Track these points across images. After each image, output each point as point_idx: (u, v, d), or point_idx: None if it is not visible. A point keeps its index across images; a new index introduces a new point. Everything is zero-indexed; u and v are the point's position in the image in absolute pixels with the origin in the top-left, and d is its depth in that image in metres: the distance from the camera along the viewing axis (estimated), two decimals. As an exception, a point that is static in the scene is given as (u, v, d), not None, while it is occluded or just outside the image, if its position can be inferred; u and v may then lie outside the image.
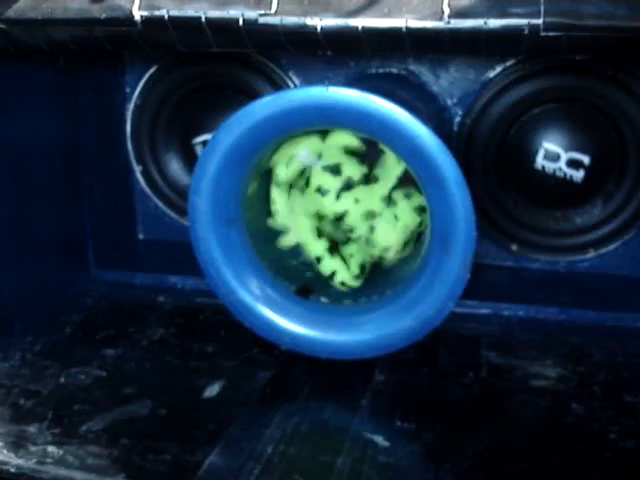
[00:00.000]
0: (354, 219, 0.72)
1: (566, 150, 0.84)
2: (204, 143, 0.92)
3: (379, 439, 0.58)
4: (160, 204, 0.96)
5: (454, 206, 0.59)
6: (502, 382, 0.66)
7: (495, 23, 0.56)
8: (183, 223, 0.95)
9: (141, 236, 0.98)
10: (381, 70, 0.85)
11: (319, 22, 0.59)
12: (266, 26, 0.60)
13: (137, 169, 0.96)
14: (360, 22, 0.58)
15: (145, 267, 0.90)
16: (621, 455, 0.56)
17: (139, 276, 0.88)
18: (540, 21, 0.55)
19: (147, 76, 0.92)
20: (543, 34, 0.56)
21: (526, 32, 0.56)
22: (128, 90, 0.93)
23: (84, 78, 0.86)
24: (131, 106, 0.93)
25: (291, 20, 0.59)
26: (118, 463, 0.55)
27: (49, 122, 0.82)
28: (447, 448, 0.57)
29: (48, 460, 0.56)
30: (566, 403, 0.63)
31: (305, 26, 0.59)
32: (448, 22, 0.57)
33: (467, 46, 0.59)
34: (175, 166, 0.95)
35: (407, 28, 0.58)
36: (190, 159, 0.93)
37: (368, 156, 0.71)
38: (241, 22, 0.60)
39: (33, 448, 0.57)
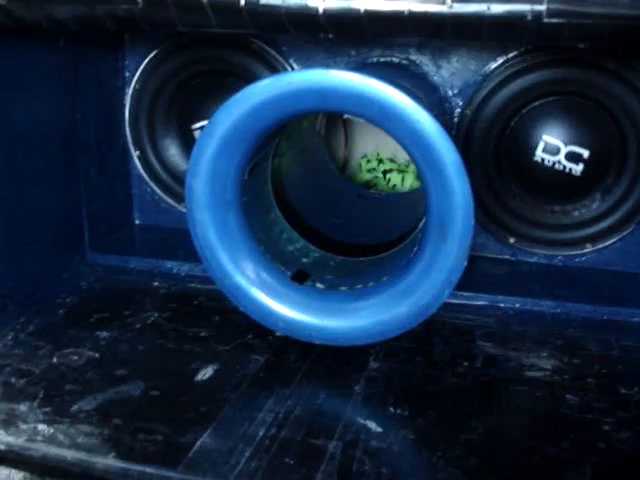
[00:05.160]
0: None
1: (566, 143, 0.83)
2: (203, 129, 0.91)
3: (372, 425, 0.58)
4: (157, 189, 0.96)
5: (452, 192, 0.59)
6: (497, 372, 0.66)
7: (498, 8, 0.56)
8: (180, 209, 0.95)
9: (137, 221, 0.98)
10: (382, 59, 0.85)
11: (322, 3, 0.58)
12: (268, 7, 0.60)
13: (135, 154, 0.95)
14: (363, 4, 0.58)
15: (140, 252, 0.90)
16: (615, 446, 0.56)
17: (134, 260, 0.88)
18: (543, 7, 0.55)
19: (147, 60, 0.92)
20: (546, 20, 0.55)
21: (529, 18, 0.56)
22: (127, 74, 0.93)
23: (84, 61, 0.86)
24: (130, 90, 0.93)
25: (293, 1, 0.59)
26: (109, 442, 0.55)
27: (48, 105, 0.82)
28: (440, 435, 0.57)
29: (38, 438, 0.55)
30: (560, 394, 0.63)
31: (307, 7, 0.59)
32: (451, 6, 0.57)
33: (469, 32, 0.59)
34: (173, 151, 0.95)
35: (410, 12, 0.57)
36: (188, 145, 0.93)
37: None
38: (243, 2, 0.60)
39: (24, 426, 0.57)
